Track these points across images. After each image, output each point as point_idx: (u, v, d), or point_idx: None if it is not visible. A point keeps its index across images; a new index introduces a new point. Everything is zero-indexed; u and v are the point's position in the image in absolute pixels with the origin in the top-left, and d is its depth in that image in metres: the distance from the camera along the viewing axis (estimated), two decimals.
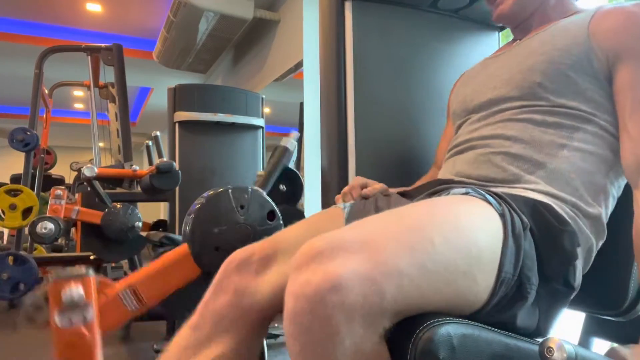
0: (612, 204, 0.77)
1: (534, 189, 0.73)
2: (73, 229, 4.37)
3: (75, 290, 0.87)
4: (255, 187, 1.22)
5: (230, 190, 1.14)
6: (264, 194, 1.21)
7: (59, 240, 4.21)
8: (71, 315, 0.86)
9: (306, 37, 3.19)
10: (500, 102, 0.83)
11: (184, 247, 1.13)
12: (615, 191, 0.77)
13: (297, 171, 1.46)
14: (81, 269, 0.91)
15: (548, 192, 0.72)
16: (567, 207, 0.71)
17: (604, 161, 0.75)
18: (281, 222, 1.19)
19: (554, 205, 0.70)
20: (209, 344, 0.71)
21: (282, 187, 1.42)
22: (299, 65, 3.33)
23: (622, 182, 0.78)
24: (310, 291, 0.48)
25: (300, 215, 1.46)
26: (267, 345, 1.18)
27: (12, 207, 2.72)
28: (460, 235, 0.57)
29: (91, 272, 0.93)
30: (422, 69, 1.28)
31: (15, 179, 4.13)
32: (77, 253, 3.72)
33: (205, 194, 1.16)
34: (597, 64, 0.74)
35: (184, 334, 0.74)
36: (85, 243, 2.76)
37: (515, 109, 0.80)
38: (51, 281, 0.87)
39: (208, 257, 1.09)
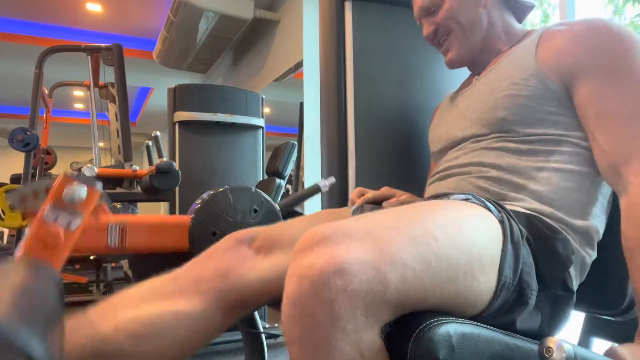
0: (602, 213, 0.77)
1: (520, 205, 0.73)
2: None
3: (79, 192, 0.83)
4: (261, 192, 1.23)
5: (248, 189, 1.15)
6: (269, 198, 1.21)
7: None
8: (59, 214, 0.83)
9: (306, 37, 3.19)
10: (473, 139, 0.85)
11: (186, 218, 1.13)
12: (605, 199, 0.77)
13: (300, 212, 1.49)
14: (96, 182, 0.88)
15: (534, 209, 0.73)
16: (553, 222, 0.71)
17: (586, 177, 0.75)
18: (272, 203, 1.20)
19: (544, 218, 0.71)
20: (178, 297, 0.70)
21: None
22: (299, 65, 3.33)
23: (610, 189, 0.78)
24: (315, 274, 0.47)
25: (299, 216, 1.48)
26: (267, 346, 1.17)
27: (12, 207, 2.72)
28: (461, 234, 0.58)
29: (101, 188, 0.90)
30: (422, 69, 1.28)
31: (15, 179, 4.13)
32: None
33: (205, 194, 1.16)
34: (554, 86, 0.76)
35: (161, 278, 0.73)
36: None
37: (488, 139, 0.82)
38: (63, 174, 0.84)
39: (204, 239, 1.09)
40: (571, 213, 0.73)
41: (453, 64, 0.95)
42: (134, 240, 1.05)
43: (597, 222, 0.75)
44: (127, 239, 1.04)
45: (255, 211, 1.17)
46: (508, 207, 0.72)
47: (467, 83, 1.00)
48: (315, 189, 1.24)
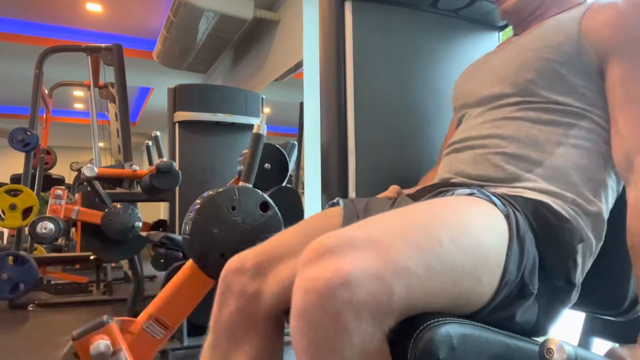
0: (612, 197, 0.77)
1: (533, 188, 0.73)
2: (73, 229, 4.37)
3: (101, 342, 0.87)
4: (242, 184, 1.21)
5: (217, 195, 1.13)
6: (251, 187, 1.20)
7: (59, 240, 4.22)
8: None
9: (306, 37, 3.19)
10: (497, 99, 0.84)
11: (190, 264, 1.13)
12: (615, 183, 0.77)
13: (277, 146, 1.45)
14: (101, 318, 0.92)
15: (547, 191, 0.72)
16: (567, 206, 0.71)
17: (601, 155, 0.75)
18: (276, 209, 1.18)
19: (554, 205, 0.70)
20: (230, 358, 0.72)
21: (267, 165, 1.42)
22: (299, 65, 3.33)
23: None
24: (320, 286, 0.48)
25: (293, 193, 1.46)
26: None
27: (12, 207, 2.72)
28: (467, 237, 0.57)
29: (110, 318, 0.93)
30: (422, 69, 1.27)
31: (15, 179, 4.13)
32: (77, 253, 3.73)
33: (205, 194, 1.16)
34: (588, 60, 0.75)
35: (205, 355, 0.75)
36: (85, 243, 2.76)
37: (510, 105, 0.81)
38: (74, 339, 0.87)
39: (213, 265, 1.08)
40: (586, 191, 0.73)
41: (508, 13, 0.91)
42: (173, 318, 1.09)
43: (607, 206, 0.75)
44: (167, 322, 1.07)
45: (260, 214, 1.15)
46: (519, 192, 0.72)
47: (505, 42, 0.97)
48: (256, 140, 1.24)
